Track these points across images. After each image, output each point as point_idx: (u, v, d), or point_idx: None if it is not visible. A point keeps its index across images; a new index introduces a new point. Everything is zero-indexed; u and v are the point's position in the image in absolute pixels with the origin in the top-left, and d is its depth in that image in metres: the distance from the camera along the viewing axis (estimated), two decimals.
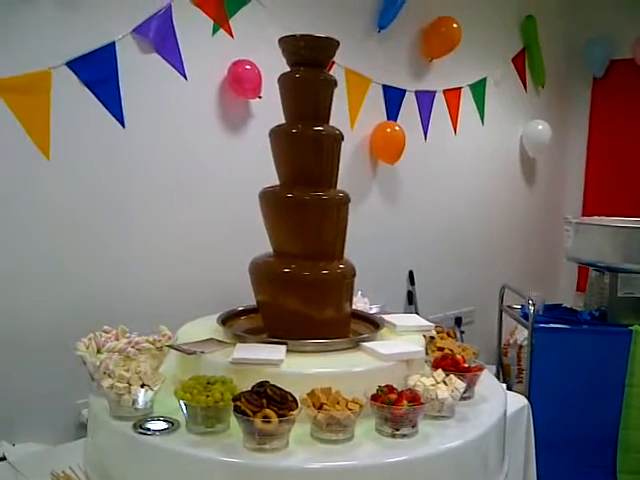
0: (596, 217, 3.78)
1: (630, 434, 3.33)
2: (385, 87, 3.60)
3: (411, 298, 3.91)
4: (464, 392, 1.88)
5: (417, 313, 3.83)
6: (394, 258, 3.82)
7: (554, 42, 4.97)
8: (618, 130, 5.05)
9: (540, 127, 4.67)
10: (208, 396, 1.64)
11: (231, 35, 2.86)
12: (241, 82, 2.82)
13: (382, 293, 3.27)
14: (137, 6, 2.55)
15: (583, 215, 4.93)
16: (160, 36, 2.61)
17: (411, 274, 3.93)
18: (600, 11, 5.08)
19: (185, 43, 2.71)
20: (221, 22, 2.83)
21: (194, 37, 2.75)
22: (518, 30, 4.60)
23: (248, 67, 2.82)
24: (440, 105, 3.99)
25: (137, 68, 2.58)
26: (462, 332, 4.22)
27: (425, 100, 3.87)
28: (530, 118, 4.73)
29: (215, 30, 2.81)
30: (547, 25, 4.79)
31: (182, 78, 2.71)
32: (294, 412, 1.61)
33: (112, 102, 2.50)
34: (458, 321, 4.25)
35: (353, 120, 3.42)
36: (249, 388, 1.67)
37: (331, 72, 3.06)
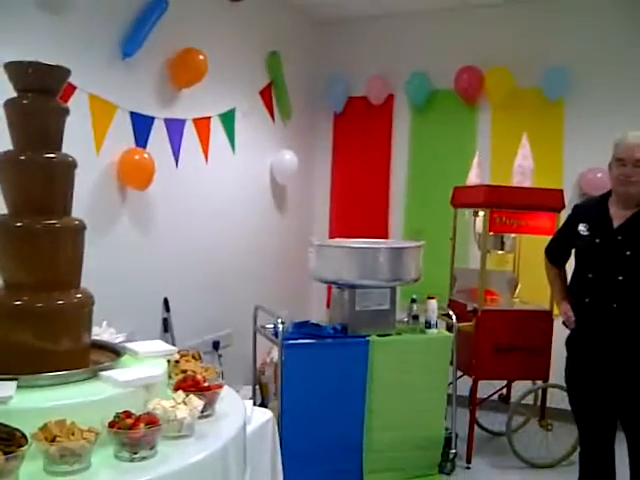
0: (336, 239, 4.12)
1: (372, 436, 3.66)
2: (132, 114, 3.60)
3: (167, 325, 3.90)
4: (204, 410, 1.95)
5: (173, 340, 3.84)
6: (148, 285, 3.79)
7: (298, 78, 5.36)
8: (356, 159, 5.59)
9: (287, 157, 4.99)
10: None
11: None
12: None
13: (136, 322, 3.24)
14: None
15: (330, 238, 5.34)
16: None
17: (166, 301, 3.93)
18: (337, 51, 5.61)
19: None
20: None
21: None
22: (264, 65, 4.88)
23: None
24: (191, 133, 4.08)
25: None
26: (220, 356, 4.31)
27: (175, 128, 3.93)
28: (279, 148, 5.03)
29: None
30: (291, 62, 5.16)
31: None
32: (23, 448, 1.55)
33: None
34: (216, 345, 4.33)
35: (99, 146, 3.36)
36: None
37: (72, 97, 3.04)
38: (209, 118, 4.22)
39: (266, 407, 3.48)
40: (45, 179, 2.00)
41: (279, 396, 3.52)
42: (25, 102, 2.00)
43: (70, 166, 2.06)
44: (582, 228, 3.10)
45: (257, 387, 4.31)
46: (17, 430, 1.60)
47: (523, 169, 4.14)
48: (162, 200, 3.87)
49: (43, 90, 2.01)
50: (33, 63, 1.99)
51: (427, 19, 5.26)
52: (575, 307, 3.10)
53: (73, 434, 1.65)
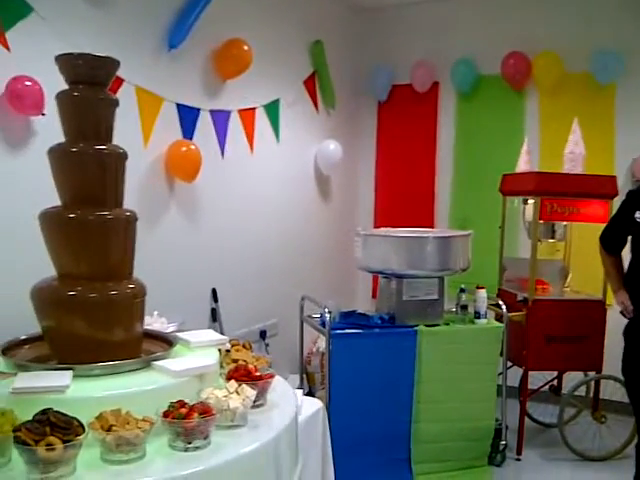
0: (382, 229, 4.08)
1: (420, 427, 3.62)
2: (179, 105, 3.61)
3: (215, 315, 3.93)
4: (256, 400, 1.95)
5: (222, 330, 3.87)
6: (196, 276, 3.82)
7: (342, 67, 5.31)
8: (401, 148, 5.51)
9: (332, 146, 4.95)
10: None
11: (8, 49, 2.70)
12: (21, 98, 2.67)
13: (184, 312, 3.26)
14: None
15: (375, 227, 5.30)
16: None
17: (214, 291, 3.96)
18: (381, 39, 5.53)
19: None
20: None
21: None
22: (308, 54, 4.85)
23: (28, 83, 2.68)
24: (236, 124, 4.08)
25: None
26: (267, 345, 4.32)
27: (220, 119, 3.94)
28: (323, 138, 5.00)
29: None
30: (335, 51, 5.12)
31: None
32: (80, 437, 1.57)
33: None
34: (263, 334, 4.34)
35: (147, 138, 3.38)
36: None
37: (120, 90, 3.07)
38: (254, 109, 4.21)
39: (313, 396, 3.48)
40: (97, 170, 2.02)
41: (327, 386, 3.51)
42: (76, 94, 2.02)
43: (121, 157, 2.08)
44: (639, 215, 3.00)
45: (304, 376, 4.31)
46: (75, 419, 1.63)
47: (574, 155, 4.03)
48: (209, 191, 3.89)
49: (93, 82, 2.03)
50: (83, 55, 2.01)
51: (472, 4, 5.14)
52: (633, 296, 3.00)
53: (128, 423, 1.67)
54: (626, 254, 3.25)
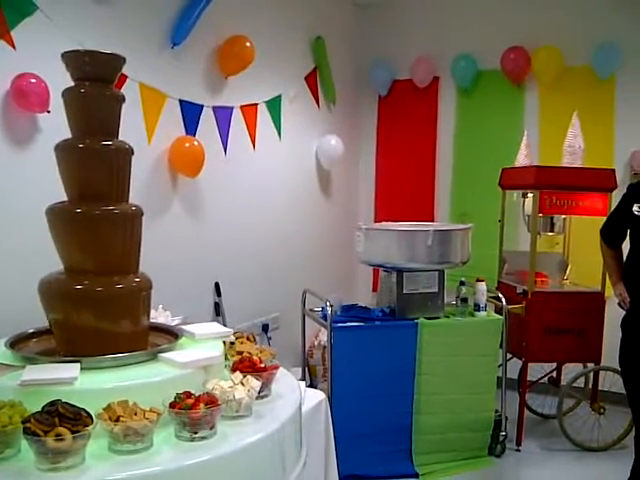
0: (383, 223, 4.11)
1: (421, 418, 3.66)
2: (182, 102, 3.64)
3: (218, 309, 3.97)
4: (261, 391, 1.99)
5: (224, 324, 3.91)
6: (199, 270, 3.86)
7: (343, 62, 5.33)
8: (401, 142, 5.53)
9: (333, 142, 4.98)
10: None
11: (13, 47, 2.73)
12: (26, 96, 2.70)
13: (188, 306, 3.30)
14: None
15: (375, 221, 5.33)
16: None
17: (217, 286, 4.00)
18: (381, 35, 5.55)
19: None
20: (1, 33, 2.70)
21: None
22: (309, 50, 4.87)
23: (33, 80, 2.71)
24: (238, 121, 4.11)
25: None
26: (269, 338, 4.36)
27: (223, 115, 3.96)
28: (323, 133, 5.02)
29: None
30: (336, 46, 5.13)
31: None
32: (89, 427, 1.61)
33: None
34: (265, 328, 4.38)
35: (150, 134, 3.41)
36: None
37: (124, 87, 3.09)
38: (256, 105, 4.24)
39: (315, 389, 3.52)
40: (103, 166, 2.05)
41: (329, 378, 3.55)
42: (82, 91, 2.05)
43: (127, 153, 2.11)
44: (636, 209, 3.05)
45: (306, 369, 4.35)
46: (83, 410, 1.66)
47: (573, 149, 4.05)
48: (211, 187, 3.91)
49: (100, 78, 2.06)
50: (90, 52, 2.04)
51: None
52: (630, 288, 3.04)
53: (136, 414, 1.70)
54: (626, 246, 3.29)
